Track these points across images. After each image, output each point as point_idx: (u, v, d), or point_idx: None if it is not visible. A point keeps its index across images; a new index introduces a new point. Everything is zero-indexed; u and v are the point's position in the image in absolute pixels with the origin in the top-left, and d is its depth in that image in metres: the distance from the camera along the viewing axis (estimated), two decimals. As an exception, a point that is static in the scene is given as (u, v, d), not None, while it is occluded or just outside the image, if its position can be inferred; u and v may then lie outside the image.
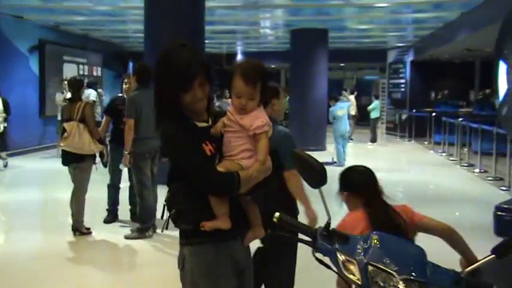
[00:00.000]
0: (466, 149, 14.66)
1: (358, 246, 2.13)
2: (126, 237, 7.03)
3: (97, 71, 20.07)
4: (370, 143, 19.90)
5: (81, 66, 18.85)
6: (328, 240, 2.19)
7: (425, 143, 19.15)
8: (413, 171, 13.82)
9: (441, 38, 16.81)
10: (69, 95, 13.22)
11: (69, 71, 17.84)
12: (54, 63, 17.05)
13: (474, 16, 12.98)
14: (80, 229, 7.12)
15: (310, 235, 2.25)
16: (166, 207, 2.59)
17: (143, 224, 7.06)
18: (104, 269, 6.24)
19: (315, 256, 2.25)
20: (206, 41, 11.37)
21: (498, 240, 2.23)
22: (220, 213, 2.46)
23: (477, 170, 12.92)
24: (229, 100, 2.89)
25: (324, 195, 2.26)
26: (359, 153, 17.65)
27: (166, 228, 2.70)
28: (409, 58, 22.84)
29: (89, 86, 14.20)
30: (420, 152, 17.84)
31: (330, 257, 2.16)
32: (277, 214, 2.29)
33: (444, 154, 16.23)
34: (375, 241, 2.14)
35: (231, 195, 2.48)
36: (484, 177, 12.21)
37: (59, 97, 13.95)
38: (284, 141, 3.82)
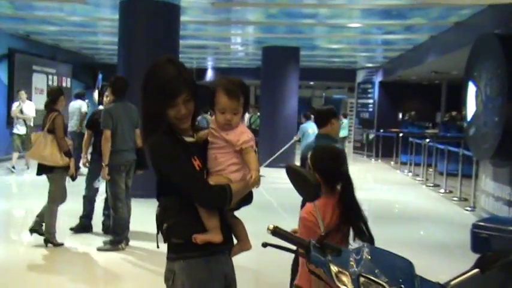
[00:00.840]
0: (431, 170, 14.92)
1: (351, 259, 2.19)
2: (99, 249, 6.99)
3: (66, 82, 19.91)
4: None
5: (50, 77, 18.67)
6: (321, 252, 2.24)
7: (392, 162, 19.41)
8: (380, 190, 13.97)
9: (410, 59, 17.11)
10: (26, 106, 13.36)
11: (39, 81, 17.69)
12: (23, 73, 16.87)
13: (443, 39, 13.26)
14: (51, 240, 7.04)
15: (304, 247, 2.30)
16: (156, 222, 2.57)
17: (116, 236, 7.02)
18: (77, 280, 6.17)
19: (308, 267, 2.30)
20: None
21: (462, 258, 2.32)
22: (211, 227, 2.49)
23: (442, 190, 13.17)
24: (208, 116, 3.04)
25: (318, 209, 2.32)
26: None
27: (158, 247, 2.71)
28: (378, 79, 23.17)
29: (77, 97, 13.97)
30: (386, 171, 18.06)
31: (323, 268, 2.22)
32: (271, 226, 2.34)
33: (410, 174, 16.48)
34: (366, 254, 2.21)
35: (222, 208, 2.53)
36: (449, 197, 12.44)
37: (15, 107, 13.89)
38: None
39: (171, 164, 2.49)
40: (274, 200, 12.08)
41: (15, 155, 13.61)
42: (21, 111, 13.63)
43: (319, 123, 5.08)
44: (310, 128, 13.93)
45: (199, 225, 2.49)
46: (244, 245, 2.68)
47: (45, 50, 18.75)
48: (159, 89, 2.47)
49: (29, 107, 13.94)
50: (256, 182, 2.54)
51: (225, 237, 2.56)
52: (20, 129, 13.62)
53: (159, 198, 2.59)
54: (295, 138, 14.25)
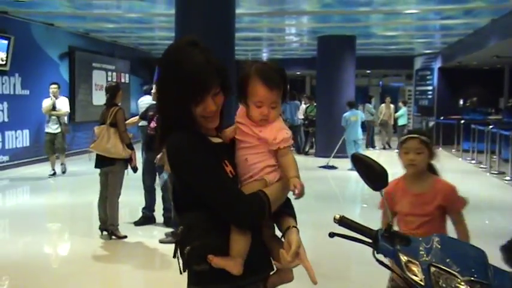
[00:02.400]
0: (495, 157, 14.52)
1: (420, 248, 2.14)
2: (161, 241, 7.08)
3: (125, 78, 20.25)
4: (397, 150, 19.77)
5: (109, 73, 19.04)
6: (390, 242, 2.19)
7: (453, 150, 18.98)
8: (442, 178, 13.70)
9: (470, 44, 16.69)
10: (59, 102, 12.40)
11: (98, 77, 18.05)
12: (83, 70, 17.25)
13: (505, 22, 12.87)
14: (115, 233, 7.20)
15: (372, 236, 2.26)
16: (177, 244, 2.07)
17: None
18: (139, 272, 6.30)
19: (375, 257, 2.26)
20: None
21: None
22: (235, 253, 2.01)
23: (508, 178, 12.79)
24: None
25: (385, 198, 2.27)
26: (386, 160, 17.57)
27: (184, 271, 2.11)
28: (437, 65, 22.69)
29: (146, 93, 14.04)
30: (448, 159, 17.67)
31: (392, 258, 2.17)
32: (337, 215, 2.30)
33: (473, 162, 16.07)
34: (436, 243, 2.15)
35: (261, 222, 2.08)
36: (514, 184, 12.10)
37: (46, 104, 12.60)
38: None
39: (198, 172, 1.99)
40: (332, 189, 12.00)
41: (52, 158, 12.62)
42: (54, 108, 12.46)
43: None
44: (353, 116, 13.96)
45: (227, 247, 2.02)
46: (285, 275, 2.17)
47: (104, 47, 19.12)
48: (184, 81, 2.00)
49: (63, 103, 12.87)
50: (302, 192, 2.08)
51: (261, 264, 2.12)
52: (52, 128, 12.44)
53: (182, 213, 2.10)
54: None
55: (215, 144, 2.10)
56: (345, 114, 14.07)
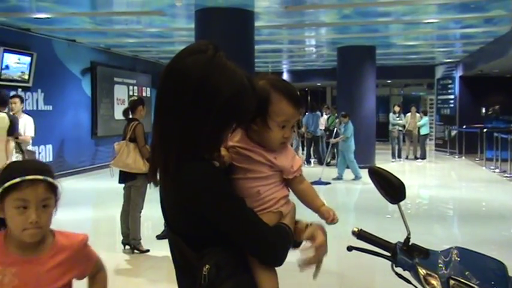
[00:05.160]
0: (519, 165, 14.39)
1: (439, 261, 2.13)
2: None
3: (146, 92, 20.42)
4: (419, 160, 19.67)
5: (130, 87, 19.21)
6: (408, 255, 2.19)
7: (477, 159, 18.81)
8: (465, 188, 13.60)
9: (491, 52, 16.57)
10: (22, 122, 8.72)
11: (120, 92, 18.23)
12: (105, 85, 17.43)
13: (526, 30, 12.78)
14: (137, 247, 7.24)
15: (390, 250, 2.26)
16: (202, 286, 1.74)
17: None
18: (161, 286, 6.32)
19: (394, 271, 2.26)
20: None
21: None
22: None
23: (532, 186, 12.66)
24: None
25: (402, 211, 2.27)
26: (408, 170, 17.49)
27: None
28: (458, 73, 22.54)
29: None
30: (471, 168, 17.54)
31: (411, 271, 2.17)
32: (356, 229, 2.30)
33: (497, 170, 15.91)
34: (455, 256, 2.15)
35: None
36: (540, 193, 11.96)
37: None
38: None
39: (225, 208, 1.74)
40: (353, 201, 11.95)
41: None
42: (13, 130, 7.77)
43: None
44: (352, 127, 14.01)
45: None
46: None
47: (125, 62, 19.32)
48: (227, 101, 1.71)
49: (27, 124, 9.76)
50: (336, 220, 1.99)
51: None
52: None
53: (200, 250, 1.77)
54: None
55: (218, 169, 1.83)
56: (350, 125, 14.07)
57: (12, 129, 7.67)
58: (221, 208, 1.72)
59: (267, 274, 1.81)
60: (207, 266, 1.73)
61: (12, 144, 7.73)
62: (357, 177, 13.98)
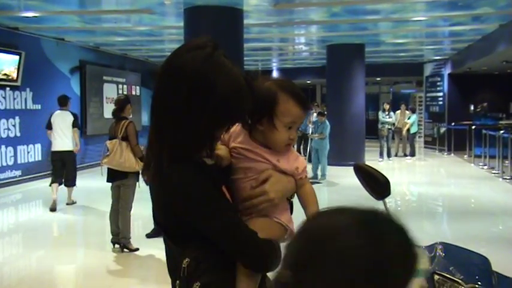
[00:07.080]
0: (508, 162, 14.46)
1: (424, 256, 2.16)
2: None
3: (135, 90, 20.36)
4: (409, 158, 19.75)
5: (120, 86, 19.15)
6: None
7: (465, 156, 18.91)
8: (454, 185, 13.66)
9: (479, 50, 16.65)
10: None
11: (109, 90, 18.16)
12: (94, 84, 17.36)
13: (513, 27, 12.85)
14: (127, 246, 7.24)
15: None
16: (183, 279, 1.74)
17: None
18: (151, 285, 6.32)
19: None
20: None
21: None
22: None
23: (520, 183, 12.75)
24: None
25: (388, 207, 2.29)
26: (398, 167, 17.56)
27: None
28: (447, 71, 22.63)
29: None
30: (460, 165, 17.63)
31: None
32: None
33: (485, 167, 16.00)
34: (440, 251, 2.17)
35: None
36: (528, 190, 12.04)
37: None
38: None
39: (202, 211, 1.71)
40: (343, 199, 11.97)
41: None
42: None
43: None
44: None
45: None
46: None
47: (115, 60, 19.25)
48: (222, 100, 1.68)
49: None
50: None
51: None
52: None
53: (180, 244, 1.78)
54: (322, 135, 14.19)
55: (210, 167, 1.80)
56: (327, 124, 14.13)
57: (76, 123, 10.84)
58: (196, 212, 1.70)
59: (245, 277, 1.76)
60: (187, 259, 1.72)
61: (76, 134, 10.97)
62: (323, 176, 13.96)
